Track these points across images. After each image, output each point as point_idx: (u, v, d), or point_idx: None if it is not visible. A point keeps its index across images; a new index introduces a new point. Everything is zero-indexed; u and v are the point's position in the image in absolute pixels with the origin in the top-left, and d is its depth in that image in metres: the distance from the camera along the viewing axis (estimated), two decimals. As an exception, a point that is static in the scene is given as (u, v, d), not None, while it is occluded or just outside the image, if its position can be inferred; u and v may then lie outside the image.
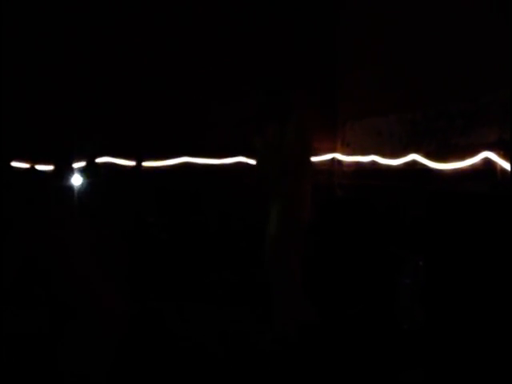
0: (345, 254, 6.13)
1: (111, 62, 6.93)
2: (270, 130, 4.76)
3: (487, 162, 4.99)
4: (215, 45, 7.34)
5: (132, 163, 6.52)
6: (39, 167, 5.44)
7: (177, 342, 4.71)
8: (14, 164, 5.76)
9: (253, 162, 5.04)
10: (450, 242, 4.53)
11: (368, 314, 5.18)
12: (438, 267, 4.60)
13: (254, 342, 4.72)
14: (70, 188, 3.97)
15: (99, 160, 6.73)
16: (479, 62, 5.11)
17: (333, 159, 8.02)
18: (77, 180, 4.05)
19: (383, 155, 6.73)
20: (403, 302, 4.80)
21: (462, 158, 5.30)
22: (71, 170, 3.89)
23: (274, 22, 7.63)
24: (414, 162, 6.09)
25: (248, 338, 4.83)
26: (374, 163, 6.95)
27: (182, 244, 6.50)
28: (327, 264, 6.33)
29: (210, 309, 5.55)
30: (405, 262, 4.97)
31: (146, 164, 6.99)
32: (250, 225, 6.29)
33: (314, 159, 5.22)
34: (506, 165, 4.74)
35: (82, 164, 5.53)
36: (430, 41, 5.83)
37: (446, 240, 4.59)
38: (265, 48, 7.53)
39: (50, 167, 4.19)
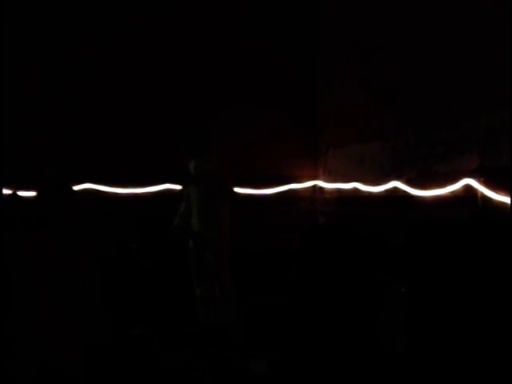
0: (327, 280, 6.13)
1: (93, 91, 6.98)
2: (189, 164, 5.63)
3: (468, 189, 5.03)
4: (196, 66, 7.42)
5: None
6: (21, 193, 5.41)
7: (161, 368, 4.68)
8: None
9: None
10: (432, 268, 4.55)
11: (351, 340, 5.17)
12: (420, 294, 4.61)
13: (240, 367, 4.72)
14: (52, 213, 3.92)
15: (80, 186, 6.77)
16: (459, 89, 5.17)
17: (314, 186, 8.06)
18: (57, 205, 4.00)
19: (365, 182, 6.76)
20: (386, 328, 4.80)
21: (443, 185, 5.33)
22: (54, 196, 3.85)
23: (254, 53, 7.74)
24: (396, 189, 6.11)
25: (233, 362, 4.82)
26: (355, 190, 6.97)
27: (164, 270, 6.47)
28: (310, 290, 6.33)
29: (194, 334, 5.52)
30: (387, 288, 4.98)
31: (128, 191, 7.03)
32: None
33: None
34: (486, 192, 4.78)
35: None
36: (411, 68, 5.90)
37: (427, 267, 4.61)
38: (246, 78, 7.63)
39: (32, 193, 4.15)
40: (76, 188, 6.76)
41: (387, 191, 6.28)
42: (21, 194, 5.38)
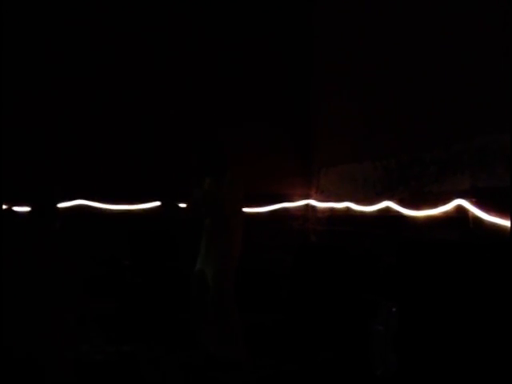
0: (318, 299, 6.12)
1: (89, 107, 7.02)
2: (206, 182, 5.37)
3: (460, 209, 5.05)
4: (189, 89, 7.49)
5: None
6: (17, 208, 5.41)
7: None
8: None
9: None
10: (423, 288, 4.56)
11: (341, 360, 5.16)
12: (411, 314, 4.62)
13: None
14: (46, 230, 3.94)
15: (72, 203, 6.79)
16: (452, 110, 5.21)
17: (307, 205, 8.07)
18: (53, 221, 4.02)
19: (357, 201, 6.77)
20: (376, 348, 4.79)
21: (435, 205, 5.34)
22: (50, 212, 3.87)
23: (248, 75, 7.81)
24: (388, 209, 6.13)
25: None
26: (347, 209, 6.99)
27: (156, 287, 6.46)
28: (301, 309, 6.32)
29: (185, 352, 5.49)
30: (378, 308, 4.98)
31: (121, 207, 7.04)
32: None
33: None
34: (478, 212, 4.79)
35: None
36: (404, 89, 5.94)
37: (418, 287, 4.62)
38: (239, 99, 7.68)
39: (27, 208, 4.16)
40: (68, 204, 6.79)
41: (379, 211, 6.29)
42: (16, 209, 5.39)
